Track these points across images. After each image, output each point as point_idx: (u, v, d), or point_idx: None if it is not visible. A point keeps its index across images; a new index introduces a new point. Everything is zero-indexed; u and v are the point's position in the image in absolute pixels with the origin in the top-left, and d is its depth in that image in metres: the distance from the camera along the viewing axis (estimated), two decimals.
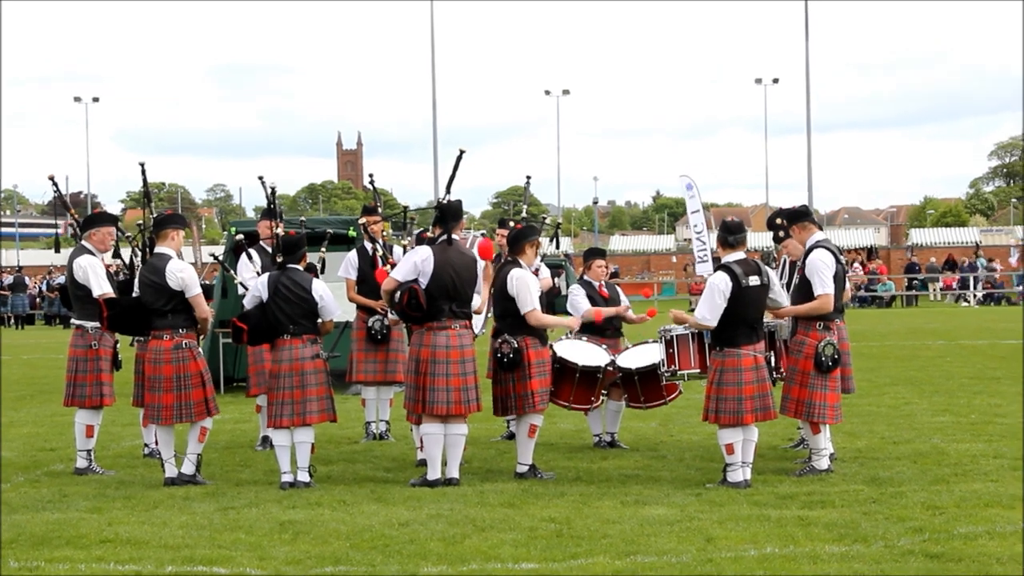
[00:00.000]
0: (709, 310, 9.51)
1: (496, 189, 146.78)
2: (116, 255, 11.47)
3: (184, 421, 10.03)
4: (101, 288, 10.56)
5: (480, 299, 10.39)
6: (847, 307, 11.20)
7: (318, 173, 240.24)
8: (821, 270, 9.92)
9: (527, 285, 9.96)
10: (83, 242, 10.82)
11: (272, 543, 7.89)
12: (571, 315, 11.55)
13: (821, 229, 10.48)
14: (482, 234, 11.89)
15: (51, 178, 11.47)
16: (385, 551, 7.63)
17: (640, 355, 11.16)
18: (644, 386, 11.09)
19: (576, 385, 10.80)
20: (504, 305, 10.04)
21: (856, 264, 47.62)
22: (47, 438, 12.95)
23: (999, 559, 7.16)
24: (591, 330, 11.53)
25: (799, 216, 10.38)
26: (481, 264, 10.26)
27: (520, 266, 10.10)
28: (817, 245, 10.08)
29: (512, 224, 11.65)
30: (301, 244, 10.17)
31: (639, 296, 13.20)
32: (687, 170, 32.68)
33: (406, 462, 11.01)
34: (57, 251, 14.00)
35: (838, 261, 10.09)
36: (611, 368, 11.03)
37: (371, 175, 13.03)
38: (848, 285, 10.55)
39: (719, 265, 9.70)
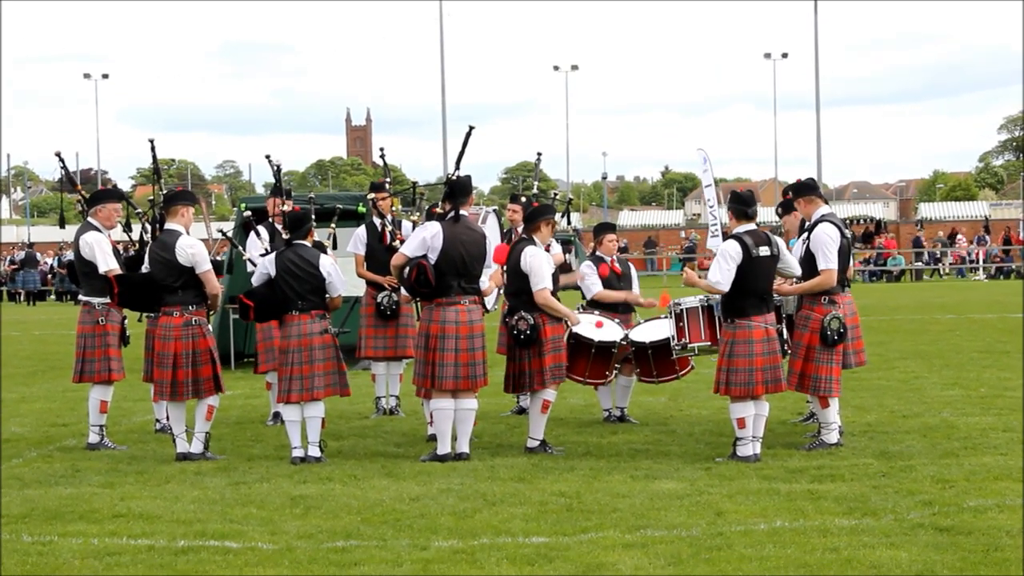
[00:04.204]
0: (720, 274, 9.50)
1: (505, 165, 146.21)
2: (127, 230, 11.49)
3: (194, 397, 10.06)
4: (107, 264, 10.58)
5: (489, 284, 10.36)
6: (853, 281, 11.19)
7: (327, 149, 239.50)
8: (826, 244, 9.90)
9: (541, 263, 9.97)
10: (89, 218, 10.83)
11: (283, 518, 7.93)
12: (583, 294, 11.75)
13: (827, 203, 10.48)
14: (494, 209, 11.88)
15: (58, 154, 11.47)
16: (396, 525, 7.66)
17: (652, 330, 11.17)
18: (657, 360, 11.10)
19: (591, 360, 10.82)
20: (518, 282, 10.04)
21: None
22: (59, 413, 13.01)
23: (1008, 532, 7.17)
24: (603, 306, 11.55)
25: (805, 189, 10.38)
26: (493, 268, 10.26)
27: (534, 243, 10.11)
28: (822, 219, 10.07)
29: (524, 200, 11.65)
30: (306, 220, 10.16)
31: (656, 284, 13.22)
32: (696, 144, 32.32)
33: (416, 437, 11.03)
34: (62, 227, 14.00)
35: (843, 235, 10.08)
36: (624, 343, 11.04)
37: (381, 148, 13.03)
38: (853, 259, 10.56)
39: (730, 235, 9.70)
